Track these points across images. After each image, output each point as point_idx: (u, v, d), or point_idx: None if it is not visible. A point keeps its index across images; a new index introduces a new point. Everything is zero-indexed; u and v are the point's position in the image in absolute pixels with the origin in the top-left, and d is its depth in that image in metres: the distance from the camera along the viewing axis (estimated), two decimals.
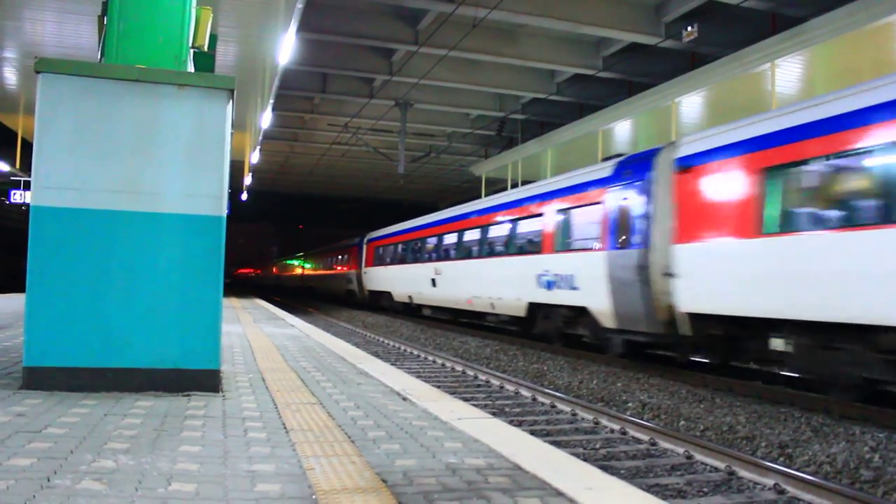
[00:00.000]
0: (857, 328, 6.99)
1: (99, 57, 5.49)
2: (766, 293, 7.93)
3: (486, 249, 16.26)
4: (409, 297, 21.88)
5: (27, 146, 19.21)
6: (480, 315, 17.12)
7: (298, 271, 50.12)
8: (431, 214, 21.76)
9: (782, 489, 4.85)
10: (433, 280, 19.23)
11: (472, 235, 17.35)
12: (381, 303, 26.38)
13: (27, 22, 12.44)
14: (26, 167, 19.47)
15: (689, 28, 13.11)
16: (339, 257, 34.18)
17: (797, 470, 5.14)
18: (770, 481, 4.97)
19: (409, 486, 2.71)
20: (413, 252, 22.01)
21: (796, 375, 8.89)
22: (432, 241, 20.42)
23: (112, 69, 4.64)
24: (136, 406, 3.98)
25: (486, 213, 16.48)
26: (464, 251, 17.77)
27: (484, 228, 16.51)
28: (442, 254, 19.29)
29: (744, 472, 5.23)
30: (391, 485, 2.70)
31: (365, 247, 28.56)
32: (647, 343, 10.58)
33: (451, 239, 18.85)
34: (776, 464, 5.28)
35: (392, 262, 24.28)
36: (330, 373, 5.88)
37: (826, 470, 5.44)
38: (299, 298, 41.73)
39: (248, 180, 29.76)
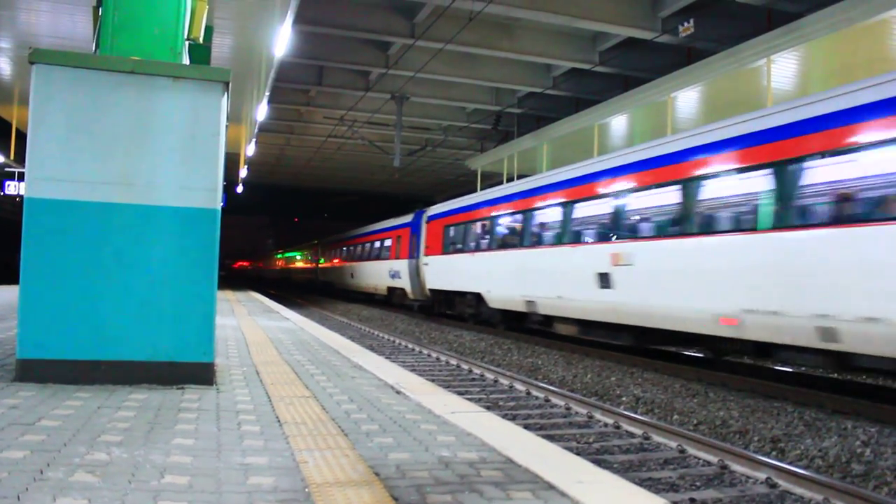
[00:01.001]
0: None
1: (94, 48, 5.47)
2: None
3: (816, 211, 7.52)
4: (529, 302, 13.50)
5: (22, 137, 19.12)
6: (758, 349, 8.65)
7: (311, 263, 42.33)
8: (592, 161, 12.44)
9: (774, 483, 4.89)
10: (603, 276, 10.82)
11: (743, 185, 8.49)
12: (458, 310, 17.97)
13: (22, 12, 12.37)
14: (21, 158, 19.38)
15: (686, 23, 13.07)
16: (376, 244, 26.29)
17: (789, 464, 5.19)
18: (762, 475, 5.01)
19: (402, 479, 2.72)
20: (542, 229, 13.58)
21: (789, 370, 8.72)
22: (602, 205, 11.47)
23: (107, 61, 4.63)
24: (129, 399, 3.98)
25: (826, 129, 7.20)
26: (708, 220, 9.01)
27: (802, 165, 7.54)
28: (629, 227, 10.66)
29: (736, 466, 5.26)
30: (384, 478, 2.71)
31: (425, 227, 20.47)
32: None
33: (661, 197, 10.01)
34: (768, 458, 5.32)
35: (487, 248, 16.15)
36: (324, 366, 5.89)
37: (818, 464, 5.49)
38: (295, 292, 41.63)
39: (243, 173, 29.70)
